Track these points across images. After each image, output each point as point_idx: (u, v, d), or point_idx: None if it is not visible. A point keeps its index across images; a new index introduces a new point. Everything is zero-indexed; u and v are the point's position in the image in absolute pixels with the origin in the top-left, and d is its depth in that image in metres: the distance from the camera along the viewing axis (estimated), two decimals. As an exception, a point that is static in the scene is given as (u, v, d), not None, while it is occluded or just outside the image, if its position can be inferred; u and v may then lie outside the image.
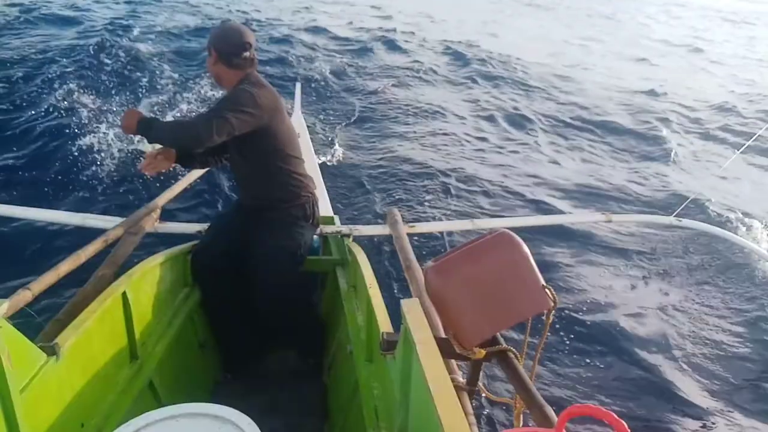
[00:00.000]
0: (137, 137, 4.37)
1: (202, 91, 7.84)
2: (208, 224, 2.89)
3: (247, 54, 2.48)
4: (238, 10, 15.10)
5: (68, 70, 8.11)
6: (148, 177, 4.88)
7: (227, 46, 2.47)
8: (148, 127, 2.37)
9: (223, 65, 2.49)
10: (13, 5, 11.72)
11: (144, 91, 7.76)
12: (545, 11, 22.60)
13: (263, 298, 2.61)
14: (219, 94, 6.88)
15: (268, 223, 2.65)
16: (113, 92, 7.51)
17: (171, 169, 2.86)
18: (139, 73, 8.43)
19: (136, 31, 10.81)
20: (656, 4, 29.96)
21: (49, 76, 7.78)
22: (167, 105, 7.30)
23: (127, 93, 7.56)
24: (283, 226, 2.65)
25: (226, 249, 2.67)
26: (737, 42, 19.38)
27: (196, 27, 11.76)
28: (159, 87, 8.02)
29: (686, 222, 3.48)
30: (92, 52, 8.86)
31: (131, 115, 2.38)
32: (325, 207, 3.70)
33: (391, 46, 12.95)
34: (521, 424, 1.47)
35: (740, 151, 3.55)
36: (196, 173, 3.64)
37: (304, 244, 2.68)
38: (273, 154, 2.59)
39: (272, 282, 2.57)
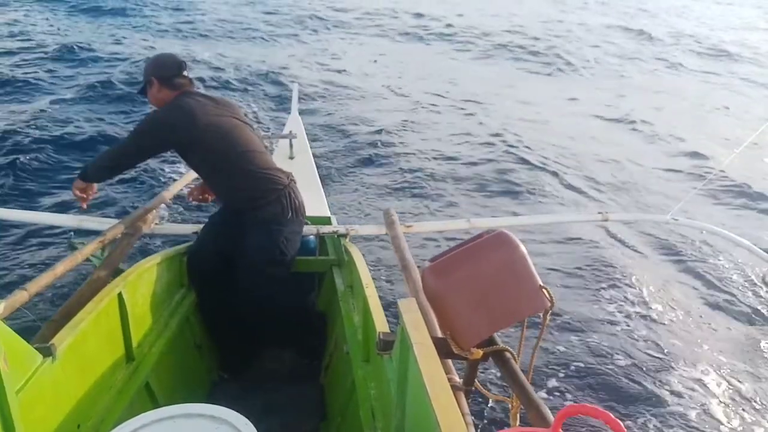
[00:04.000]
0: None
1: None
2: (203, 225, 2.89)
3: (186, 73, 2.63)
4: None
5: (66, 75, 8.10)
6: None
7: (167, 70, 2.59)
8: (84, 176, 2.66)
9: (166, 89, 2.59)
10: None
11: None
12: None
13: (245, 298, 2.63)
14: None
15: (247, 224, 2.66)
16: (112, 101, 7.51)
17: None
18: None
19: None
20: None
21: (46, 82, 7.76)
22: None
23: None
24: (260, 225, 2.63)
25: (219, 249, 2.68)
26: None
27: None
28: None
29: (683, 221, 3.49)
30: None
31: (75, 183, 2.68)
32: (321, 207, 3.70)
33: (393, 44, 12.95)
34: (518, 423, 1.47)
35: (738, 150, 3.55)
36: (192, 175, 3.62)
37: (285, 240, 2.64)
38: (217, 158, 2.56)
39: (250, 282, 2.59)
